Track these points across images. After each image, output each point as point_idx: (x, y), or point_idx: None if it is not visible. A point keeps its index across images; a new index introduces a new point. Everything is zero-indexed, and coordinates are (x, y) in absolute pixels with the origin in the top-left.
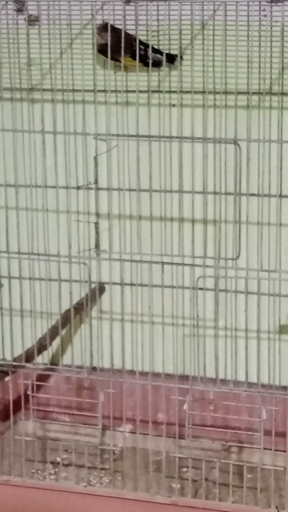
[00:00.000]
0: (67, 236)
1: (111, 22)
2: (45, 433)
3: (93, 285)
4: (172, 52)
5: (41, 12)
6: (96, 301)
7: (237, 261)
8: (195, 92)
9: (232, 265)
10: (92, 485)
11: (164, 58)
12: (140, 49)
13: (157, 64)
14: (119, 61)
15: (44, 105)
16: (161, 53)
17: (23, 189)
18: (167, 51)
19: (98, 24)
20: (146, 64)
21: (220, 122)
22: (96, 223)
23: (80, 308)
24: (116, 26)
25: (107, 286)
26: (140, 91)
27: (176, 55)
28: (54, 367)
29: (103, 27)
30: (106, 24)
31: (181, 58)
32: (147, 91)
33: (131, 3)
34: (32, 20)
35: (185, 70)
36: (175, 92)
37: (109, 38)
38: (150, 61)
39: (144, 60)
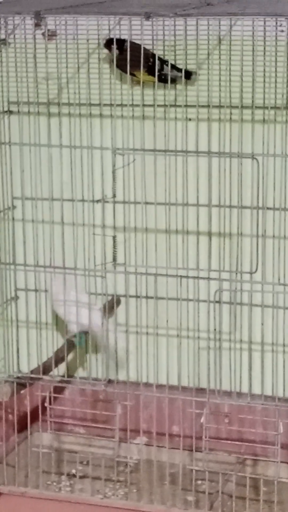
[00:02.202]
0: (84, 249)
1: (129, 37)
2: (60, 445)
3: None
4: (189, 67)
5: (58, 27)
6: (112, 314)
7: (253, 274)
8: (211, 107)
9: (249, 279)
10: (107, 498)
11: (182, 74)
12: (157, 64)
13: (173, 80)
14: (135, 76)
15: (61, 119)
16: (178, 69)
17: (40, 202)
18: (183, 66)
19: (104, 39)
20: (162, 80)
21: (237, 136)
22: (114, 237)
23: None
24: (133, 40)
25: (122, 299)
26: (156, 105)
27: (193, 72)
28: (71, 379)
29: (108, 42)
30: (111, 39)
31: (196, 74)
32: (163, 105)
33: (150, 19)
34: (50, 35)
35: (201, 84)
36: (192, 106)
37: (128, 53)
38: (169, 77)
39: (160, 76)
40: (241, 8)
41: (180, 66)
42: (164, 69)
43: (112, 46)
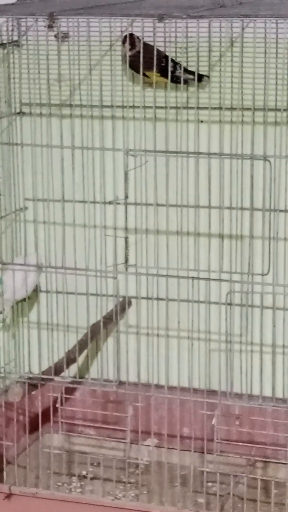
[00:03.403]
0: (95, 250)
1: (142, 38)
2: (70, 446)
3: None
4: (201, 69)
5: (70, 29)
6: (123, 315)
7: (265, 276)
8: (222, 109)
9: (261, 280)
10: (118, 499)
11: (194, 77)
12: (169, 66)
13: (185, 81)
14: (147, 76)
15: (72, 121)
16: (190, 72)
17: (51, 203)
18: (195, 68)
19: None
20: (174, 81)
21: (249, 138)
22: (126, 238)
23: (107, 322)
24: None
25: (133, 300)
26: (168, 107)
27: (205, 75)
28: (82, 380)
29: (125, 38)
30: (131, 35)
31: (208, 77)
32: (175, 107)
33: (163, 21)
34: (62, 37)
35: (213, 86)
36: (204, 108)
37: (141, 52)
38: (182, 80)
39: (172, 77)
40: (254, 10)
41: (192, 68)
42: (176, 71)
43: (126, 43)
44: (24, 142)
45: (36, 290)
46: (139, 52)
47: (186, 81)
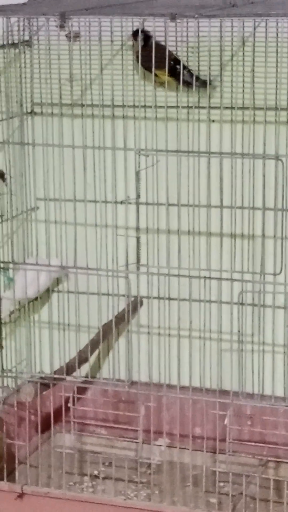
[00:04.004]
0: (106, 250)
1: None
2: (82, 446)
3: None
4: (212, 68)
5: (82, 28)
6: (135, 315)
7: (277, 276)
8: (234, 108)
9: (273, 280)
10: (130, 499)
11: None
12: (182, 67)
13: (189, 83)
14: (157, 76)
15: (83, 120)
16: (197, 78)
17: (63, 203)
18: (207, 67)
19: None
20: (183, 83)
21: (261, 137)
22: (138, 238)
23: (118, 322)
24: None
25: (145, 300)
26: (178, 107)
27: (211, 81)
28: (94, 380)
29: (134, 33)
30: (144, 30)
31: (210, 83)
32: (187, 107)
33: (175, 20)
34: (74, 36)
35: (225, 86)
36: (216, 108)
37: (153, 50)
38: (193, 82)
39: (179, 78)
40: (265, 9)
41: (204, 68)
42: (185, 75)
43: (138, 37)
44: (36, 142)
45: (48, 290)
46: (151, 50)
47: (189, 83)
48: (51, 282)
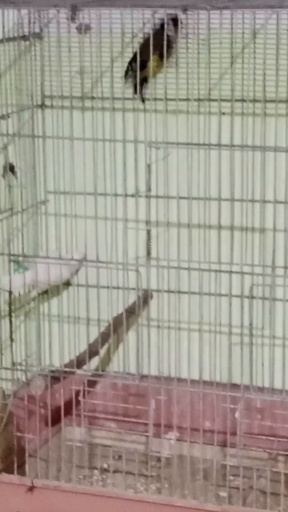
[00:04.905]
0: (116, 243)
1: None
2: (91, 439)
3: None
4: (223, 60)
5: (92, 20)
6: (145, 308)
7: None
8: (245, 101)
9: (283, 273)
10: (140, 492)
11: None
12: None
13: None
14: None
15: (94, 113)
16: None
17: (74, 196)
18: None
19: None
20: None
21: (273, 130)
22: (149, 231)
23: (128, 315)
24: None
25: (155, 293)
26: (189, 100)
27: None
28: (105, 373)
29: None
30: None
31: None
32: (198, 100)
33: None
34: (84, 29)
35: (236, 78)
36: (227, 100)
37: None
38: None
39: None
40: (277, 0)
41: (214, 60)
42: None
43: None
44: (46, 134)
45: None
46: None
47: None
48: (71, 274)
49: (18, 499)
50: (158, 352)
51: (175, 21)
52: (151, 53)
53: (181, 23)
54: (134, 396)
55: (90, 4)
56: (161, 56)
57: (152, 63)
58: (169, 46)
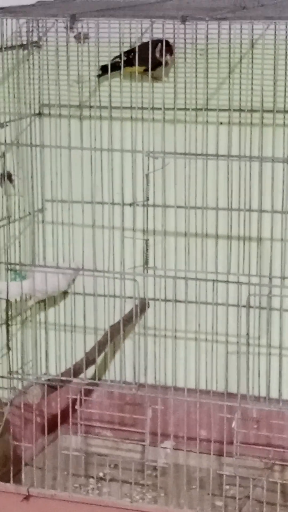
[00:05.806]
0: (113, 252)
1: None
2: (87, 448)
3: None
4: (221, 70)
5: (91, 30)
6: (142, 317)
7: (284, 279)
8: (242, 111)
9: (280, 283)
10: (135, 501)
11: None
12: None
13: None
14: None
15: (92, 122)
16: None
17: (71, 205)
18: (215, 71)
19: None
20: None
21: (270, 140)
22: (147, 240)
23: (125, 324)
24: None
25: (152, 302)
26: (187, 109)
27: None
28: (101, 382)
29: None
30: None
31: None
32: (195, 109)
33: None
34: (83, 38)
35: (234, 88)
36: (224, 110)
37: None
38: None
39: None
40: (275, 12)
41: (212, 70)
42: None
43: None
44: (44, 143)
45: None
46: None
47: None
48: (68, 284)
49: (14, 508)
50: (154, 361)
51: (168, 46)
52: (137, 62)
53: (172, 51)
54: (130, 405)
55: (89, 14)
56: (146, 71)
57: (137, 68)
58: (156, 66)
